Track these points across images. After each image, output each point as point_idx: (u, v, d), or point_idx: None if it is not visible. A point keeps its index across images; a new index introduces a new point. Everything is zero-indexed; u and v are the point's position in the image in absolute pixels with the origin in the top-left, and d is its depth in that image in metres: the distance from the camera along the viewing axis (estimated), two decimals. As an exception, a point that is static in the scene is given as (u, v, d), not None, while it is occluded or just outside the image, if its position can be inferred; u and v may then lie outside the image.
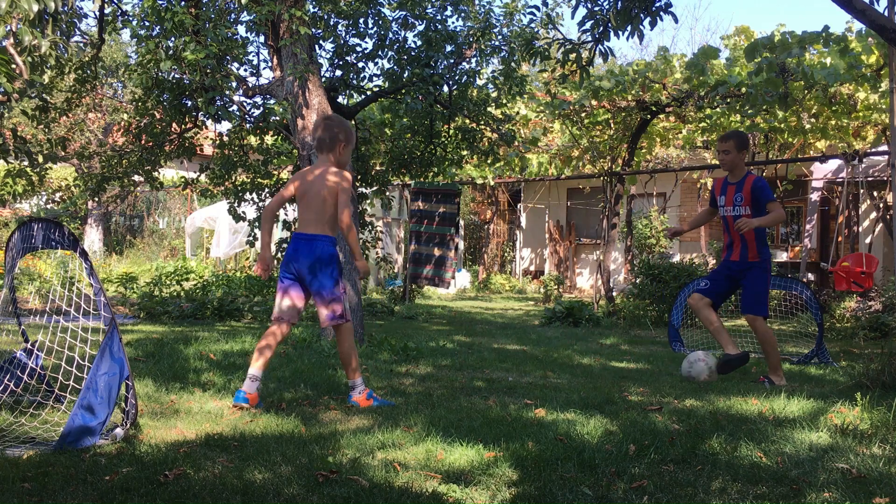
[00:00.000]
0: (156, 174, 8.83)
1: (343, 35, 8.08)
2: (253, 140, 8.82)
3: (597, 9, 6.08)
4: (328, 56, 8.51)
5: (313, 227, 4.22)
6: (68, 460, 2.95)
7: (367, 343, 6.55)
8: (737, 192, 5.45)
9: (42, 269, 11.97)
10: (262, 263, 4.29)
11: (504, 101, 9.17)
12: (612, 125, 12.14)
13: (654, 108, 11.10)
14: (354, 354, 4.27)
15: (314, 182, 4.24)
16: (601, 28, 6.16)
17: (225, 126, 12.76)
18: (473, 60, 8.65)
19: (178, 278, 12.18)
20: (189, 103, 7.86)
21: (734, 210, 5.46)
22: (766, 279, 5.43)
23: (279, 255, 9.28)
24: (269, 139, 9.13)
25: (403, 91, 8.08)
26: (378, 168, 9.54)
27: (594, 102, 11.35)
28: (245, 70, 7.70)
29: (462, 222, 17.62)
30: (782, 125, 11.25)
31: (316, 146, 4.39)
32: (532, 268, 19.72)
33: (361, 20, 7.91)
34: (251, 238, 9.07)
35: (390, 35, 8.04)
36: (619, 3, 5.83)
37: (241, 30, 11.91)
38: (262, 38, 7.59)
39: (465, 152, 9.43)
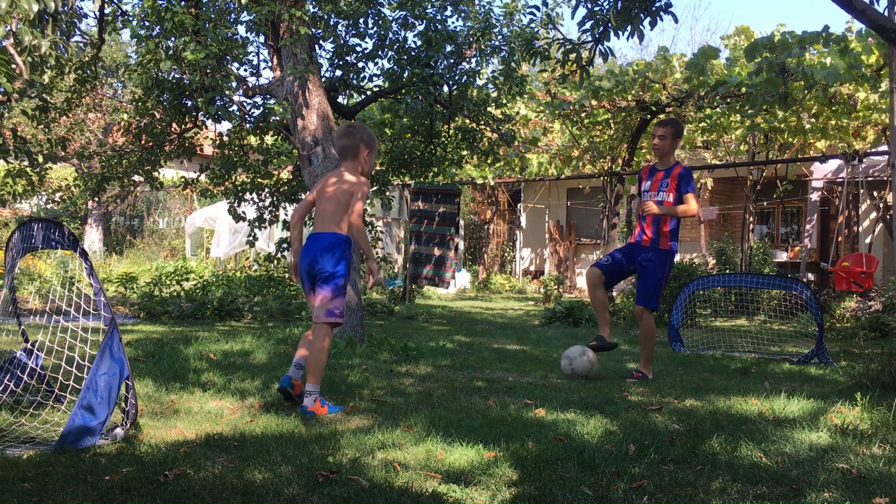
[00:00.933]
0: (156, 174, 8.83)
1: (343, 35, 8.09)
2: (253, 140, 8.83)
3: (597, 9, 6.08)
4: (328, 56, 8.53)
5: (324, 227, 4.23)
6: (68, 460, 2.95)
7: (367, 343, 6.55)
8: (664, 177, 5.50)
9: (42, 269, 11.97)
10: (294, 270, 4.35)
11: (504, 101, 9.17)
12: (612, 125, 12.15)
13: (654, 108, 11.10)
14: (325, 359, 4.22)
15: (332, 186, 4.28)
16: (601, 28, 6.16)
17: (225, 126, 12.75)
18: (473, 60, 8.65)
19: (178, 278, 12.18)
20: (189, 103, 7.86)
21: (658, 195, 5.50)
22: (665, 273, 5.46)
23: (279, 255, 9.30)
24: (269, 139, 9.13)
25: (403, 91, 8.08)
26: (378, 168, 9.54)
27: (594, 102, 11.36)
28: (245, 70, 7.71)
29: (462, 222, 17.62)
30: (782, 125, 11.25)
31: (339, 153, 4.44)
32: (532, 268, 19.73)
33: (361, 20, 7.91)
34: (251, 238, 9.08)
35: (390, 35, 8.04)
36: (619, 3, 5.83)
37: (241, 30, 11.92)
38: (262, 38, 7.59)
39: (465, 152, 9.44)
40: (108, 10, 8.14)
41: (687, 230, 17.02)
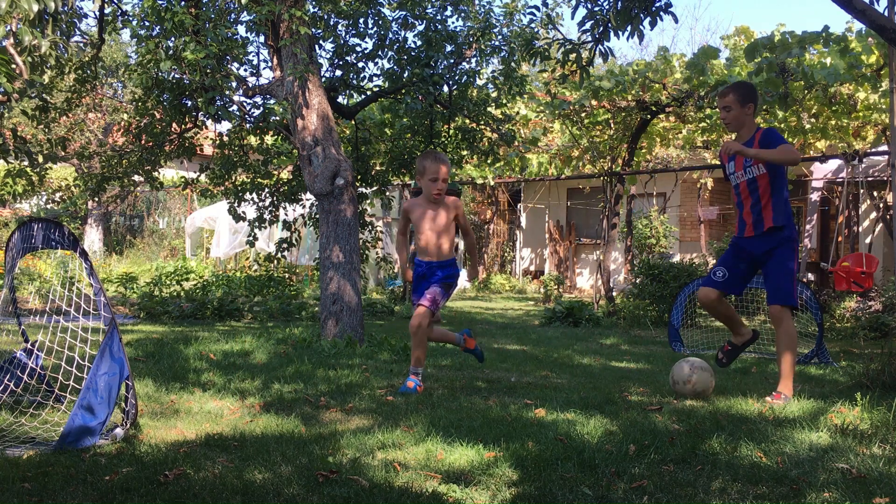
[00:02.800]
0: (156, 174, 8.83)
1: (343, 35, 8.08)
2: (253, 140, 8.83)
3: (597, 9, 6.08)
4: (328, 56, 8.51)
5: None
6: (68, 460, 2.95)
7: (367, 343, 6.55)
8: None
9: (42, 269, 11.97)
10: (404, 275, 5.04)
11: (504, 101, 9.17)
12: (612, 125, 12.15)
13: (654, 108, 11.10)
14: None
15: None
16: (601, 28, 6.16)
17: (225, 126, 12.74)
18: (473, 60, 8.65)
19: (178, 278, 12.19)
20: (189, 103, 7.86)
21: (746, 174, 4.63)
22: (794, 256, 4.58)
23: (279, 255, 9.30)
24: (269, 139, 9.13)
25: (403, 91, 8.08)
26: (378, 168, 9.54)
27: (594, 102, 11.35)
28: (245, 70, 7.71)
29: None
30: (782, 125, 11.24)
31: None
32: (532, 268, 19.72)
33: (361, 20, 7.91)
34: (251, 238, 9.08)
35: (390, 35, 8.04)
36: (619, 3, 5.83)
37: (241, 30, 11.91)
38: (262, 38, 7.59)
39: (465, 152, 9.43)
40: (108, 10, 8.14)
41: (687, 230, 17.02)
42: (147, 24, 6.91)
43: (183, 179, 9.96)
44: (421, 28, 8.16)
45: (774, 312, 4.53)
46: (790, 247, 4.57)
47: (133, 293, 11.29)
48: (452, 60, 8.26)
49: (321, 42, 8.06)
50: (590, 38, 6.34)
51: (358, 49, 8.08)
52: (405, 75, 8.07)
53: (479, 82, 9.11)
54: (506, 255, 20.14)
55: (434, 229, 4.86)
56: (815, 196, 12.07)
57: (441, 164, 4.88)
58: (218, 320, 9.15)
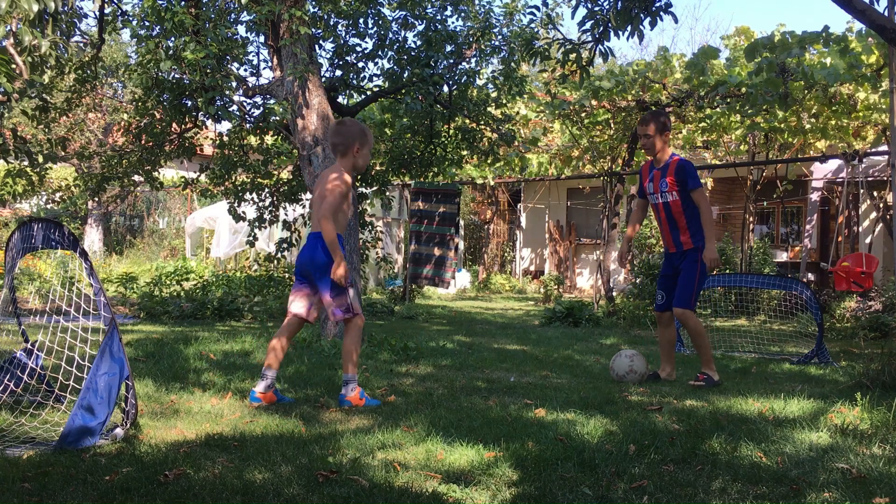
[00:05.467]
0: (156, 174, 8.83)
1: (343, 35, 8.08)
2: (253, 140, 8.82)
3: (597, 9, 6.08)
4: (328, 56, 8.52)
5: (315, 227, 4.29)
6: (68, 460, 2.95)
7: (367, 343, 6.55)
8: (662, 177, 5.18)
9: (42, 269, 11.97)
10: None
11: (504, 101, 9.17)
12: (612, 125, 12.15)
13: (654, 108, 11.10)
14: (354, 351, 4.29)
15: (320, 184, 4.34)
16: (601, 28, 6.16)
17: (225, 126, 12.75)
18: (473, 60, 8.65)
19: (178, 278, 12.18)
20: (189, 103, 7.86)
21: (661, 197, 5.19)
22: (700, 269, 5.14)
23: (279, 255, 9.30)
24: (269, 139, 9.13)
25: (403, 91, 8.08)
26: (378, 168, 9.54)
27: (594, 102, 11.35)
28: (245, 70, 7.71)
29: (462, 222, 17.62)
30: (782, 125, 11.25)
31: (332, 150, 4.50)
32: (532, 268, 19.72)
33: (361, 20, 7.91)
34: (251, 238, 9.07)
35: (390, 35, 8.04)
36: (619, 3, 5.83)
37: (241, 30, 11.92)
38: (262, 38, 7.59)
39: (465, 152, 9.44)
40: (108, 10, 8.13)
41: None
42: (147, 24, 6.91)
43: (183, 179, 9.95)
44: (421, 28, 8.16)
45: (678, 314, 5.22)
46: (699, 259, 5.15)
47: (133, 293, 11.29)
48: (452, 60, 8.26)
49: (321, 42, 8.06)
50: (590, 38, 6.34)
51: (358, 49, 8.08)
52: (405, 75, 8.07)
53: (479, 82, 9.11)
54: (506, 255, 20.14)
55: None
56: (815, 196, 12.08)
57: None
58: (218, 320, 9.15)
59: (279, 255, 9.23)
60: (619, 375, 5.25)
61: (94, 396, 3.21)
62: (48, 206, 19.30)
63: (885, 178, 10.95)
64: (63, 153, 8.64)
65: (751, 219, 13.79)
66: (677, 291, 5.18)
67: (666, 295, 5.28)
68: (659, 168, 5.22)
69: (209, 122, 8.97)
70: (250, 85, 7.34)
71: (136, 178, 9.30)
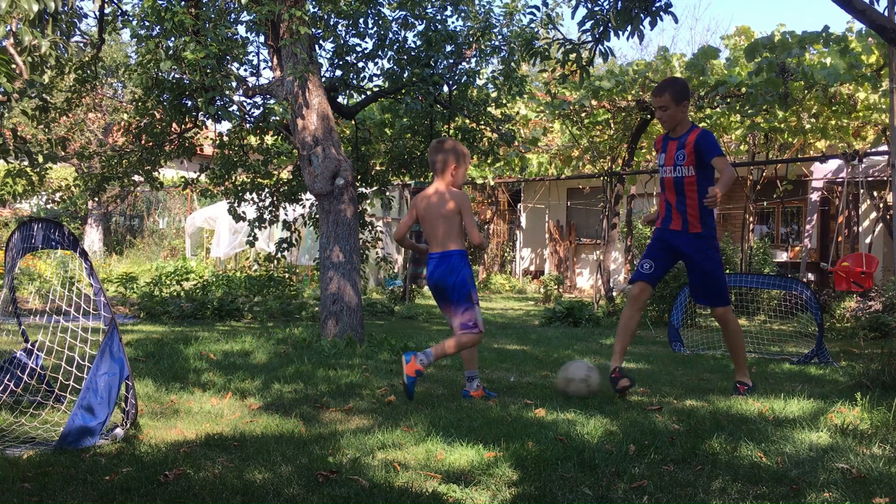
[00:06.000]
0: (156, 174, 8.83)
1: (343, 35, 8.09)
2: (253, 140, 8.82)
3: (597, 9, 6.08)
4: (328, 56, 8.52)
5: (443, 245, 4.49)
6: (68, 460, 2.95)
7: (367, 343, 6.55)
8: (678, 148, 4.61)
9: (42, 269, 11.97)
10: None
11: (504, 101, 9.17)
12: (612, 125, 12.15)
13: (654, 108, 11.10)
14: (474, 353, 4.59)
15: (433, 205, 4.50)
16: (601, 28, 6.17)
17: (225, 126, 12.75)
18: (473, 60, 8.65)
19: (178, 278, 12.19)
20: (189, 103, 7.86)
21: (675, 171, 4.62)
22: (718, 257, 4.66)
23: (279, 255, 9.30)
24: (269, 139, 9.13)
25: (403, 91, 8.08)
26: (378, 168, 9.54)
27: (594, 102, 11.36)
28: (245, 70, 7.72)
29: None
30: (782, 125, 11.25)
31: (430, 167, 4.64)
32: (532, 268, 19.72)
33: (361, 20, 7.92)
34: (251, 238, 9.08)
35: (390, 35, 8.04)
36: (619, 3, 5.83)
37: (241, 30, 11.93)
38: (262, 38, 7.59)
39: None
40: (108, 10, 8.14)
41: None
42: (147, 24, 6.91)
43: (183, 179, 9.96)
44: (421, 28, 8.17)
45: (719, 315, 4.74)
46: (713, 245, 4.66)
47: (133, 293, 11.29)
48: (452, 60, 8.26)
49: (321, 42, 8.07)
50: (590, 38, 6.34)
51: (358, 49, 8.09)
52: (405, 75, 8.07)
53: (479, 82, 9.11)
54: (506, 255, 20.14)
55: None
56: (815, 196, 12.08)
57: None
58: (218, 320, 9.15)
59: (279, 255, 9.23)
60: (568, 380, 4.54)
61: (94, 396, 3.21)
62: (48, 206, 19.31)
63: (885, 178, 10.95)
64: (63, 153, 8.64)
65: (751, 219, 13.79)
66: (706, 290, 4.65)
67: (654, 266, 4.66)
68: (676, 138, 4.67)
69: (209, 122, 8.98)
70: (250, 85, 7.34)
71: (136, 178, 9.30)
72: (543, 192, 18.85)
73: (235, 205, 8.87)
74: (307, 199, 9.21)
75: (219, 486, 2.69)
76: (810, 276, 13.17)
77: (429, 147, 4.68)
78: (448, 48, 8.13)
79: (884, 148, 10.42)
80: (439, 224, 4.46)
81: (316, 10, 7.71)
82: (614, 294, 11.75)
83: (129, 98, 12.70)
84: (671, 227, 4.68)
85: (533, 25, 8.42)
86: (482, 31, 8.35)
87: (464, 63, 8.45)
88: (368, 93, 8.56)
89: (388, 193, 9.74)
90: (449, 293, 4.45)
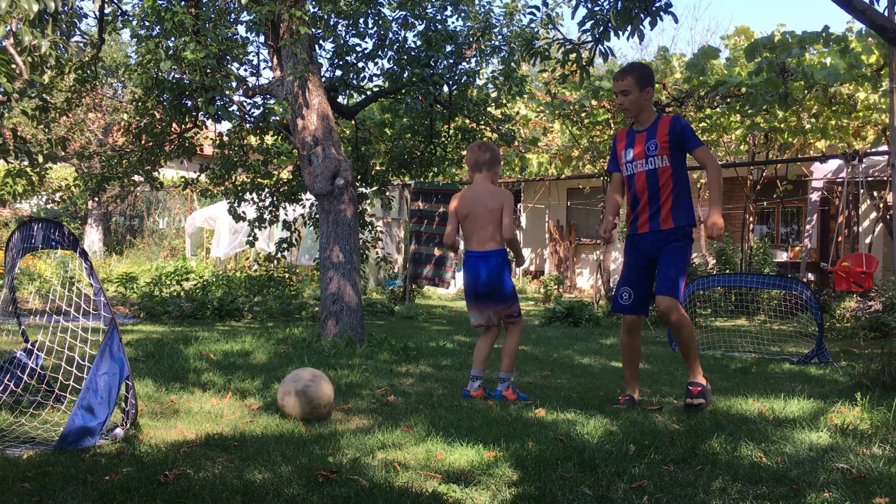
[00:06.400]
0: (156, 174, 8.83)
1: (343, 35, 8.09)
2: (253, 140, 8.83)
3: (597, 9, 6.08)
4: (328, 56, 8.53)
5: (485, 244, 4.53)
6: (68, 460, 2.95)
7: (367, 343, 6.55)
8: (649, 139, 4.21)
9: (42, 269, 11.97)
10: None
11: (504, 101, 9.17)
12: (612, 125, 12.15)
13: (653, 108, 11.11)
14: (517, 350, 4.66)
15: (480, 201, 4.53)
16: (601, 28, 6.17)
17: (225, 126, 12.76)
18: (473, 60, 8.66)
19: (178, 278, 12.19)
20: (189, 103, 7.87)
21: (647, 163, 4.20)
22: (686, 259, 4.22)
23: (279, 255, 9.30)
24: (269, 139, 9.14)
25: (403, 91, 8.09)
26: (378, 168, 9.54)
27: (594, 102, 11.36)
28: (245, 70, 7.72)
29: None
30: (782, 125, 11.25)
31: (474, 166, 4.66)
32: (532, 268, 19.72)
33: (361, 20, 7.92)
34: (251, 238, 9.08)
35: (390, 35, 8.05)
36: (619, 3, 5.83)
37: (241, 30, 11.93)
38: (262, 38, 7.60)
39: (465, 152, 9.45)
40: (108, 10, 8.14)
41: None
42: (147, 24, 6.91)
43: (183, 179, 9.96)
44: (421, 28, 8.17)
45: (664, 305, 4.13)
46: (683, 246, 4.23)
47: (133, 293, 11.29)
48: (452, 60, 8.26)
49: (321, 42, 8.07)
50: (590, 38, 6.34)
51: (358, 49, 8.09)
52: (405, 75, 8.08)
53: (479, 82, 9.12)
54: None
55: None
56: (815, 196, 12.08)
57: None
58: (218, 320, 9.15)
59: (279, 255, 9.23)
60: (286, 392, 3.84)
61: (94, 396, 3.21)
62: (48, 206, 19.31)
63: (885, 178, 10.95)
64: (63, 153, 8.64)
65: (751, 219, 13.80)
66: (660, 278, 4.18)
67: (634, 294, 4.30)
68: (644, 130, 4.27)
69: (209, 122, 8.98)
70: (250, 85, 7.34)
71: (136, 178, 9.30)
72: (543, 192, 18.86)
73: (235, 205, 8.87)
74: (307, 199, 9.22)
75: (219, 486, 2.69)
76: (810, 276, 13.17)
77: (472, 147, 4.74)
78: (448, 48, 8.13)
79: (884, 148, 10.42)
80: (486, 221, 4.51)
81: (316, 10, 7.72)
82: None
83: (129, 98, 12.70)
84: (640, 232, 4.29)
85: (533, 25, 8.42)
86: (482, 31, 8.35)
87: (464, 63, 8.46)
88: (368, 93, 8.57)
89: (388, 193, 9.75)
90: (497, 294, 4.54)
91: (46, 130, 9.33)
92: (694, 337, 4.23)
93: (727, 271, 11.65)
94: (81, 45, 9.20)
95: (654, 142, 4.19)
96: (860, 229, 13.45)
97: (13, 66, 5.37)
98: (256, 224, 8.83)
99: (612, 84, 4.49)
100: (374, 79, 8.55)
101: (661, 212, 4.20)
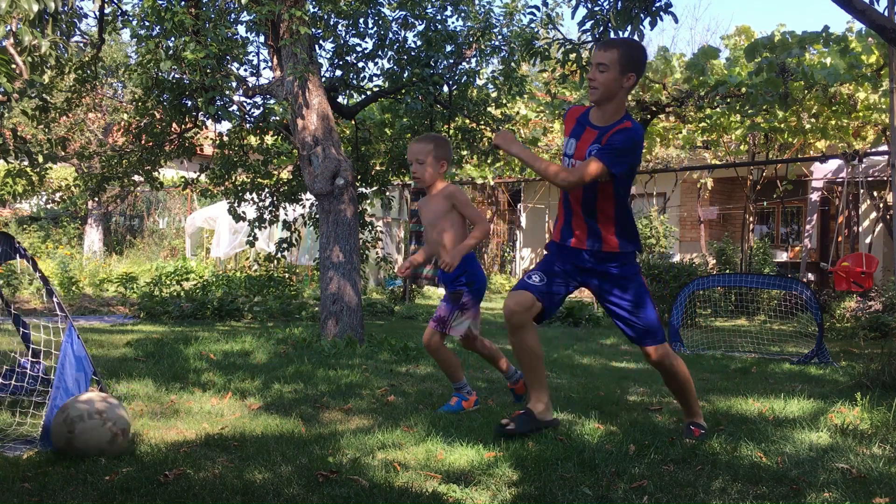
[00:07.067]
0: (156, 174, 8.82)
1: (343, 35, 8.08)
2: (253, 140, 8.82)
3: (597, 9, 6.08)
4: (328, 56, 8.52)
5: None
6: (68, 460, 2.95)
7: (367, 343, 6.55)
8: (595, 140, 3.35)
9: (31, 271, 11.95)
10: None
11: (504, 101, 9.17)
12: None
13: (654, 108, 11.10)
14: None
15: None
16: (601, 28, 6.17)
17: (225, 126, 12.74)
18: (473, 60, 8.65)
19: (178, 278, 12.18)
20: (189, 103, 7.86)
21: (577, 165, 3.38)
22: (640, 280, 3.50)
23: (279, 255, 9.29)
24: (269, 139, 9.13)
25: (403, 91, 8.08)
26: (378, 168, 9.54)
27: (594, 102, 11.35)
28: (245, 70, 7.71)
29: (462, 222, 17.57)
30: (782, 125, 11.26)
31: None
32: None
33: (361, 20, 7.91)
34: (251, 238, 9.08)
35: (390, 35, 8.04)
36: (619, 3, 5.83)
37: (241, 30, 11.91)
38: (262, 38, 7.59)
39: (465, 152, 9.44)
40: (108, 10, 8.13)
41: (687, 230, 17.01)
42: (147, 24, 6.91)
43: (183, 179, 9.95)
44: (421, 28, 8.16)
45: (657, 357, 3.47)
46: (634, 267, 3.50)
47: (133, 293, 11.29)
48: (452, 60, 8.26)
49: (321, 42, 8.06)
50: (590, 38, 6.34)
51: (358, 49, 8.08)
52: (405, 75, 8.07)
53: (479, 82, 9.11)
54: (506, 255, 20.14)
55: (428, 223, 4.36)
56: (815, 196, 12.08)
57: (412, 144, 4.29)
58: (218, 320, 9.15)
59: (279, 255, 9.22)
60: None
61: (64, 395, 3.25)
62: (48, 206, 19.31)
63: (885, 178, 10.95)
64: (63, 153, 8.64)
65: (751, 219, 13.80)
66: (636, 325, 3.45)
67: (547, 279, 3.49)
68: (597, 126, 3.39)
69: (209, 122, 8.97)
70: (250, 85, 7.34)
71: (136, 178, 9.30)
72: (543, 192, 18.86)
73: (235, 205, 8.87)
74: (307, 199, 9.21)
75: (219, 486, 2.69)
76: (810, 276, 13.17)
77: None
78: (448, 48, 8.13)
79: (884, 148, 10.42)
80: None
81: (316, 10, 7.71)
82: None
83: (129, 98, 12.70)
84: (572, 245, 3.50)
85: (533, 25, 8.41)
86: (482, 32, 8.35)
87: (464, 63, 8.45)
88: (368, 93, 8.56)
89: (388, 193, 9.74)
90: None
91: (46, 130, 9.33)
92: (689, 378, 3.56)
93: (727, 271, 11.65)
94: (81, 45, 9.20)
95: (598, 146, 3.32)
96: (860, 229, 13.45)
97: (13, 66, 5.37)
98: (256, 224, 8.82)
99: (594, 52, 3.46)
100: (374, 79, 8.55)
101: (601, 231, 3.43)
